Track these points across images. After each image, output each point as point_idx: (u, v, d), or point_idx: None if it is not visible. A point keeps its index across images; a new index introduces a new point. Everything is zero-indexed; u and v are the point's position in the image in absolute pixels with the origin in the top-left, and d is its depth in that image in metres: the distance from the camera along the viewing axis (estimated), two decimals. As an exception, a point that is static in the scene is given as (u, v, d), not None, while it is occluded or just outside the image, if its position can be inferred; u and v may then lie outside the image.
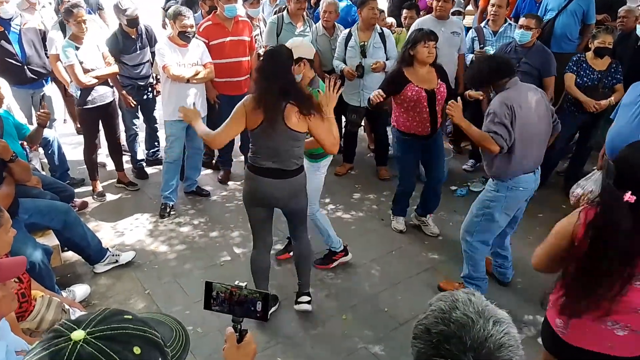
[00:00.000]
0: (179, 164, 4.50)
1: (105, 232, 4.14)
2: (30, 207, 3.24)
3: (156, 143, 5.31)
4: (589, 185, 3.41)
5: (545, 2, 5.27)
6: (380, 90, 3.67)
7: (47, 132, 4.14)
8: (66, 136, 5.42)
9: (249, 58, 4.68)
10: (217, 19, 4.52)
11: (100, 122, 4.51)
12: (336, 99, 2.90)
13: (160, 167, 4.75)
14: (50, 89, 4.96)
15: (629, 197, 1.72)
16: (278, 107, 2.69)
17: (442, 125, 4.07)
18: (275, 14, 5.36)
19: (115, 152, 4.79)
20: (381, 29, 4.76)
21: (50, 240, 3.34)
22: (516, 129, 2.87)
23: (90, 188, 4.70)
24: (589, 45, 4.43)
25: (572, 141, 4.96)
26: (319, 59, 4.86)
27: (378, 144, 5.30)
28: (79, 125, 5.35)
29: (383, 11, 5.08)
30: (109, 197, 4.69)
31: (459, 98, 3.03)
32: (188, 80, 4.18)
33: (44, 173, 4.35)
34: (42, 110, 3.68)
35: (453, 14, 5.15)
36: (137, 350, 0.81)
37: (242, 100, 2.80)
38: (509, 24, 4.93)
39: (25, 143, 3.83)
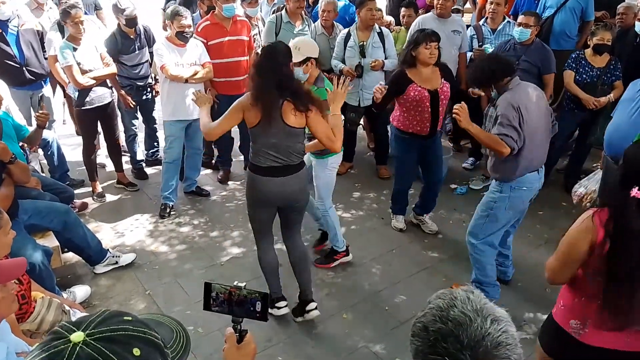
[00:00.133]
0: (179, 164, 4.50)
1: (106, 233, 4.14)
2: (29, 208, 3.24)
3: (155, 143, 5.30)
4: (591, 184, 3.41)
5: (544, 0, 5.27)
6: (381, 83, 3.64)
7: (46, 133, 4.14)
8: (66, 137, 5.41)
9: (248, 58, 4.68)
10: (216, 18, 4.52)
11: (99, 123, 4.51)
12: (344, 97, 2.90)
13: (160, 167, 4.74)
14: (49, 90, 4.96)
15: (635, 192, 1.71)
16: (275, 105, 2.69)
17: (441, 126, 4.06)
18: (273, 13, 5.36)
19: (115, 152, 4.78)
20: (380, 28, 4.75)
21: (50, 241, 3.35)
22: (524, 130, 2.88)
23: (90, 189, 4.70)
24: (588, 43, 4.43)
25: (572, 139, 4.95)
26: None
27: (378, 143, 5.29)
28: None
29: (380, 9, 5.06)
30: (109, 197, 4.69)
31: (462, 103, 2.99)
32: (186, 80, 4.18)
33: (43, 174, 4.35)
34: (41, 111, 3.68)
35: (452, 12, 5.14)
36: (136, 351, 0.81)
37: (241, 97, 2.80)
38: (508, 21, 4.93)
39: (24, 144, 3.83)
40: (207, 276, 3.54)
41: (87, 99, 4.24)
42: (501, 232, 3.22)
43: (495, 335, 0.95)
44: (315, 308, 3.17)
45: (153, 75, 4.80)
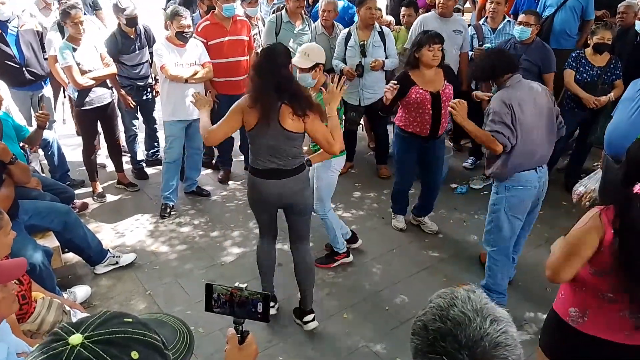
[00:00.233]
0: (179, 164, 4.50)
1: (106, 233, 4.14)
2: (30, 208, 3.24)
3: (156, 143, 5.30)
4: (591, 183, 3.41)
5: (544, -1, 5.27)
6: (392, 82, 3.62)
7: (46, 134, 4.14)
8: (66, 137, 5.41)
9: (248, 58, 4.68)
10: (215, 18, 4.51)
11: (99, 123, 4.51)
12: (340, 97, 2.89)
13: (160, 167, 4.74)
14: (49, 91, 4.96)
15: (638, 189, 1.72)
16: (273, 108, 2.66)
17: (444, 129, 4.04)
18: (273, 13, 5.36)
19: (115, 153, 4.78)
20: (381, 27, 4.75)
21: (51, 241, 3.34)
22: (517, 127, 2.87)
23: (91, 189, 4.70)
24: (588, 42, 4.43)
25: (572, 138, 4.95)
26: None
27: (378, 142, 5.29)
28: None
29: (379, 9, 5.06)
30: (109, 198, 4.69)
31: (461, 100, 2.99)
32: (186, 81, 4.18)
33: (43, 174, 4.35)
34: (41, 112, 3.68)
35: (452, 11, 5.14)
36: (135, 354, 0.80)
37: (240, 100, 2.78)
38: (508, 20, 4.93)
39: (25, 145, 3.83)
40: (208, 276, 3.54)
41: (87, 99, 4.24)
42: (513, 240, 3.22)
43: (494, 336, 0.94)
44: (313, 319, 3.11)
45: (153, 75, 4.80)
